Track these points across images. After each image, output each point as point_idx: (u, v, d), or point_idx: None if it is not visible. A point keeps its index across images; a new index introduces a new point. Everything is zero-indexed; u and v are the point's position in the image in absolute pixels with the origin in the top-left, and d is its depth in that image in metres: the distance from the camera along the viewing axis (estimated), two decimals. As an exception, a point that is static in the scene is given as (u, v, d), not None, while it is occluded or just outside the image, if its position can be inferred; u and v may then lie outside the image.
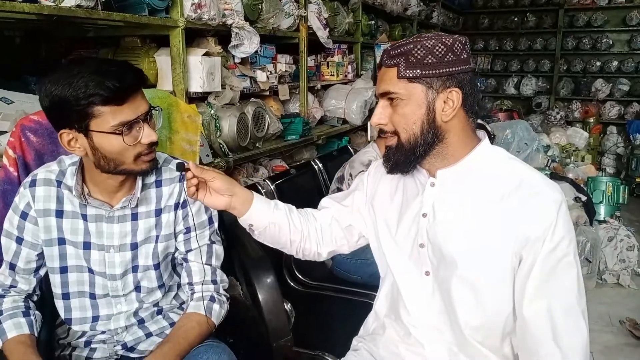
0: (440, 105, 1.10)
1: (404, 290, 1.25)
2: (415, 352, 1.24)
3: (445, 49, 1.08)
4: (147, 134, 1.24)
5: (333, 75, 3.81)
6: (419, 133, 1.12)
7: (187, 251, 1.43)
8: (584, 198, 3.79)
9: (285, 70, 3.13)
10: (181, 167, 1.24)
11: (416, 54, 1.08)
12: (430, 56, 1.07)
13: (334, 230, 1.39)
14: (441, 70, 1.08)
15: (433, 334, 1.22)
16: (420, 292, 1.22)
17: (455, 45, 1.09)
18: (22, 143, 1.51)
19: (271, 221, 1.31)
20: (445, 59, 1.08)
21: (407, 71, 1.08)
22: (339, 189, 2.30)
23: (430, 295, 1.21)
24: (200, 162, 2.17)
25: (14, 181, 1.50)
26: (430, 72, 1.08)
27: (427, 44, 1.08)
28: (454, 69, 1.09)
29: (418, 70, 1.08)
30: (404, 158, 1.15)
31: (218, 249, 1.48)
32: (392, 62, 1.11)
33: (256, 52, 2.69)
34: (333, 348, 1.72)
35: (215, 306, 1.41)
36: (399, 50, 1.09)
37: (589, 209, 3.78)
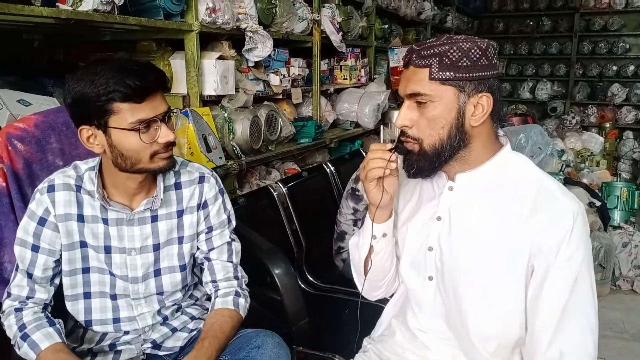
0: (470, 109, 1.07)
1: (410, 294, 1.25)
2: (421, 355, 1.24)
3: (480, 53, 1.05)
4: (164, 134, 1.25)
5: (346, 78, 3.82)
6: (445, 137, 1.08)
7: (210, 250, 1.47)
8: (598, 203, 3.76)
9: (299, 74, 3.14)
10: (403, 151, 1.17)
11: (451, 56, 1.04)
12: (465, 59, 1.04)
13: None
14: (474, 74, 1.05)
15: (438, 338, 1.22)
16: (423, 296, 1.22)
17: (489, 50, 1.06)
18: (9, 152, 1.46)
19: (392, 238, 1.28)
20: (479, 63, 1.05)
21: (440, 73, 1.05)
22: (354, 189, 2.30)
23: (433, 300, 1.20)
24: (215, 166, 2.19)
25: (2, 192, 1.46)
26: (464, 75, 1.05)
27: (463, 46, 1.04)
28: (486, 73, 1.06)
29: (452, 73, 1.04)
30: (428, 164, 1.12)
31: (237, 246, 1.53)
32: (423, 62, 1.06)
33: (270, 55, 2.71)
34: (343, 350, 1.71)
35: (241, 300, 1.46)
36: (432, 51, 1.05)
37: (604, 214, 3.74)
